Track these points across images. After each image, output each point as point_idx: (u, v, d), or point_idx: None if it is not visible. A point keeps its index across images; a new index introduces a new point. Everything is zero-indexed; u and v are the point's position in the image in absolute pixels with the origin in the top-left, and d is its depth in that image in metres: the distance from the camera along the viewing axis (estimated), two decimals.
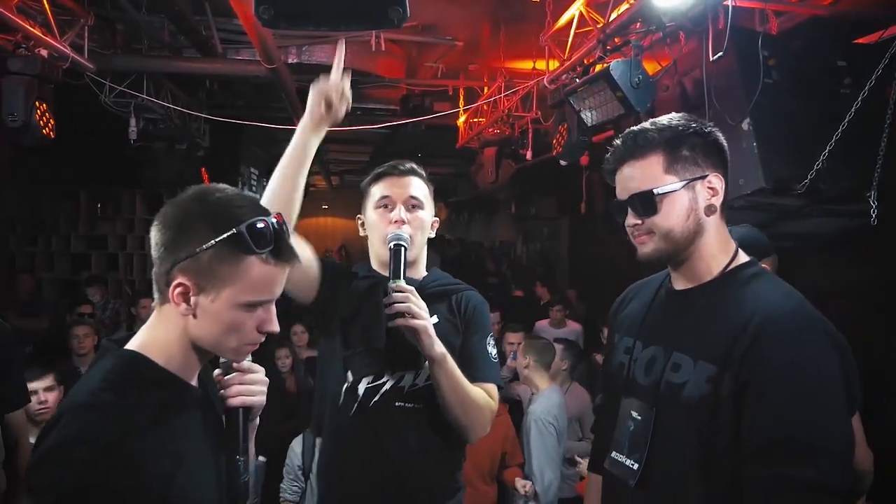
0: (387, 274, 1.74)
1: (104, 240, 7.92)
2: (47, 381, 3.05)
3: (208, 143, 6.89)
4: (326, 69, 1.73)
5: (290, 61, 5.26)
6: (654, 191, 1.36)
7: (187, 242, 1.07)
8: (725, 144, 1.45)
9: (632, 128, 1.46)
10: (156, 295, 1.14)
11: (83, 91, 4.73)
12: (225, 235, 1.06)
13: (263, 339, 1.17)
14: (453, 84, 6.01)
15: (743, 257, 1.45)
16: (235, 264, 1.07)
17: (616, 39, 3.12)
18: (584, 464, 3.65)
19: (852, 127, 2.93)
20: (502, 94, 5.03)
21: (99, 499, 0.97)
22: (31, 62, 3.63)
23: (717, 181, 1.38)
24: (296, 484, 3.38)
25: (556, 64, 3.99)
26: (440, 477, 1.80)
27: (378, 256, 1.84)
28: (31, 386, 2.82)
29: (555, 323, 6.34)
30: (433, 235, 1.88)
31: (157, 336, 1.12)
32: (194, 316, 1.09)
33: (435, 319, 1.76)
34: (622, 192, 1.43)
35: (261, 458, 4.39)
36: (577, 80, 3.37)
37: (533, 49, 4.61)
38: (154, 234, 1.11)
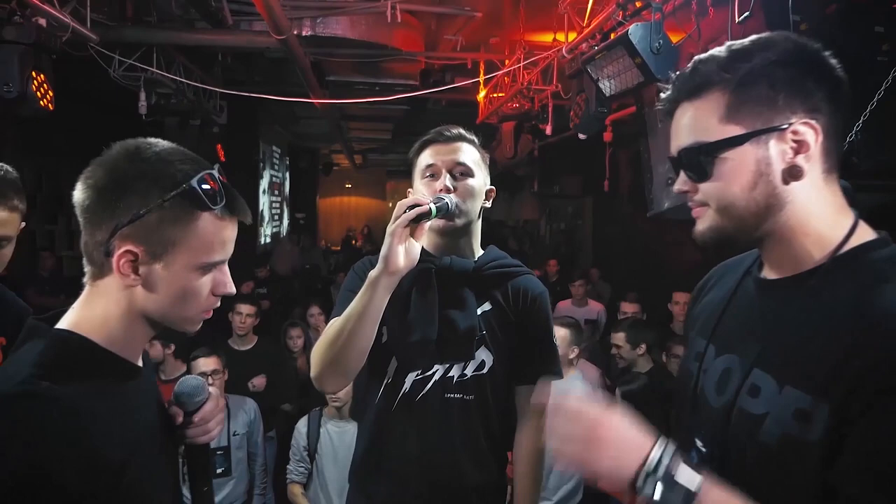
0: (439, 255, 1.68)
1: None
2: None
3: (225, 121, 6.82)
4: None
5: (304, 34, 5.12)
6: (706, 146, 0.99)
7: (128, 205, 0.96)
8: (840, 73, 0.99)
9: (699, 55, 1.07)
10: (87, 268, 1.02)
11: (99, 65, 4.67)
12: (176, 193, 0.96)
13: (219, 303, 1.09)
14: (472, 57, 5.82)
15: (866, 233, 1.00)
16: (188, 224, 0.98)
17: (637, 2, 2.93)
18: None
19: (890, 96, 2.72)
20: (521, 64, 4.84)
21: (48, 496, 0.86)
22: (26, 31, 3.53)
23: (807, 131, 0.95)
24: (302, 465, 3.32)
25: (576, 35, 3.80)
26: (488, 470, 1.71)
27: (428, 236, 1.65)
28: None
29: (577, 301, 6.18)
30: (489, 205, 1.74)
31: (94, 313, 1.01)
32: (145, 286, 0.99)
33: (487, 307, 1.68)
34: (673, 146, 1.08)
35: (269, 434, 4.37)
36: (596, 48, 3.19)
37: (553, 20, 4.41)
38: (80, 198, 0.99)
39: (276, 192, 12.84)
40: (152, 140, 1.03)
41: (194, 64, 5.62)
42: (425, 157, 1.70)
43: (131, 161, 0.99)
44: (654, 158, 3.45)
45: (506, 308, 1.70)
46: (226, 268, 1.06)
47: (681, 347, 4.10)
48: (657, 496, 0.87)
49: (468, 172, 1.67)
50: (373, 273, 1.44)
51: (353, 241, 17.86)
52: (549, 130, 4.90)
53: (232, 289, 1.07)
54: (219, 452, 3.36)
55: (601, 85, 3.01)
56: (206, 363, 3.34)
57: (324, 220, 17.92)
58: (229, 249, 1.05)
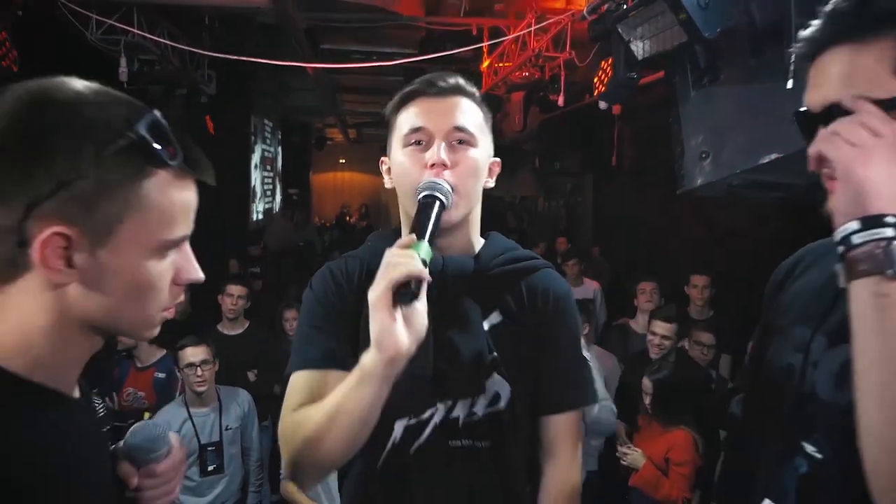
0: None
1: None
2: None
3: (214, 91, 6.44)
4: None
5: None
6: (881, 103, 0.81)
7: (48, 170, 0.66)
8: None
9: None
10: None
11: (74, 27, 4.30)
12: (118, 146, 0.68)
13: (182, 297, 0.82)
14: (477, 22, 5.47)
15: None
16: (135, 189, 0.70)
17: None
18: (629, 452, 3.29)
19: None
20: (532, 28, 4.50)
21: None
22: None
23: None
24: None
25: None
26: None
27: (409, 219, 1.20)
28: None
29: (572, 280, 5.89)
30: (492, 185, 1.29)
31: (6, 328, 0.71)
32: (83, 283, 0.70)
33: (496, 318, 1.22)
34: (814, 97, 0.89)
35: (264, 424, 4.11)
36: (625, 5, 2.86)
37: None
38: None
39: (269, 168, 12.46)
40: (63, 78, 0.72)
41: (179, 28, 5.24)
42: (410, 116, 1.21)
43: (42, 107, 0.68)
44: (687, 130, 3.15)
45: (522, 317, 1.24)
46: (187, 247, 0.79)
47: (705, 334, 3.85)
48: None
49: (470, 141, 1.20)
50: (366, 362, 0.99)
51: (348, 218, 17.55)
52: (561, 101, 4.59)
53: (198, 274, 0.80)
54: (210, 449, 3.11)
55: (633, 46, 2.69)
56: (195, 353, 3.06)
57: (317, 196, 17.55)
58: (192, 221, 0.78)
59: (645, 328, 4.31)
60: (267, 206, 12.30)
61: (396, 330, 0.95)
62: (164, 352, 3.69)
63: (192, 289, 4.81)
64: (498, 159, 1.31)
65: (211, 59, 5.85)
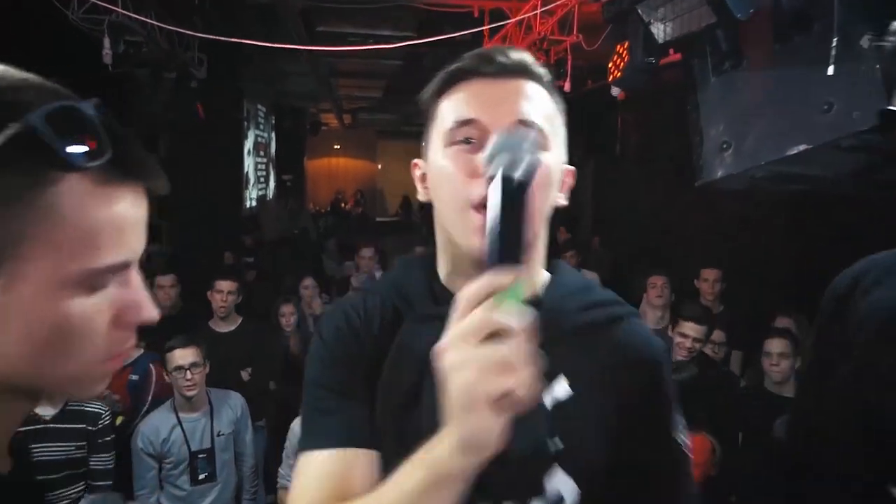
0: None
1: None
2: None
3: (205, 75, 6.20)
4: None
5: None
6: None
7: None
8: None
9: None
10: None
11: (53, 6, 4.06)
12: (8, 138, 0.50)
13: (133, 342, 0.62)
14: (479, 4, 5.25)
15: None
16: (35, 200, 0.52)
17: None
18: None
19: None
20: (538, 11, 4.29)
21: None
22: None
23: None
24: None
25: None
26: None
27: (455, 249, 0.88)
28: None
29: None
30: (565, 202, 0.93)
31: None
32: None
33: (562, 391, 0.87)
34: None
35: (258, 424, 3.95)
36: None
37: None
38: None
39: (262, 153, 12.23)
40: None
41: (169, 11, 5.00)
42: (457, 104, 0.88)
43: None
44: (706, 118, 2.97)
45: (599, 389, 0.89)
46: (134, 277, 0.60)
47: (716, 332, 3.69)
48: None
49: (541, 142, 0.84)
50: (445, 460, 0.68)
51: (343, 204, 17.35)
52: (567, 87, 4.39)
53: (149, 312, 0.61)
54: (201, 456, 2.94)
55: (653, 29, 2.51)
56: (184, 355, 2.88)
57: (312, 182, 17.31)
58: (135, 241, 0.59)
59: (656, 323, 4.17)
60: (260, 192, 12.08)
61: (501, 429, 0.65)
62: (141, 351, 3.52)
63: (184, 281, 4.65)
64: (573, 168, 0.96)
65: (201, 42, 5.61)
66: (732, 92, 2.87)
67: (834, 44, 2.18)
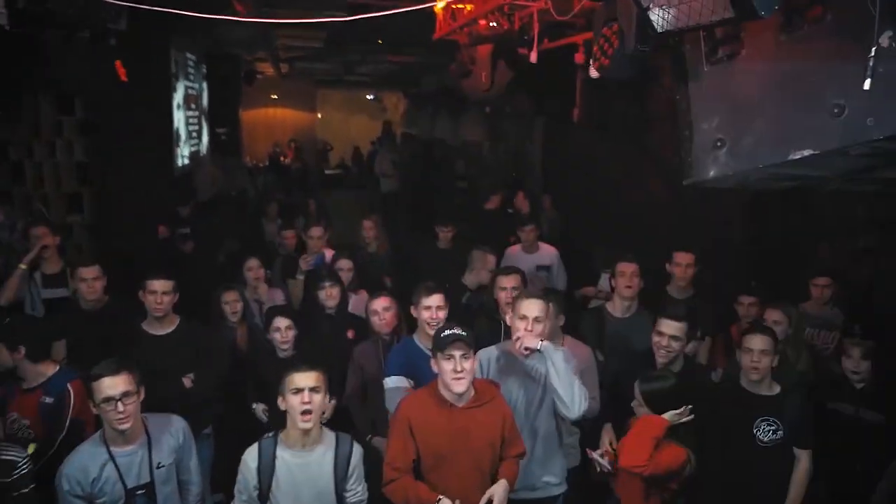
0: None
1: (4, 148, 6.57)
2: None
3: (125, 27, 5.50)
4: None
5: None
6: None
7: None
8: None
9: None
10: None
11: None
12: None
13: None
14: None
15: None
16: None
17: None
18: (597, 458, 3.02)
19: None
20: None
21: None
22: None
23: None
24: None
25: None
26: None
27: None
28: None
29: (527, 246, 5.50)
30: None
31: None
32: None
33: None
34: None
35: (205, 432, 3.63)
36: None
37: None
38: None
39: (193, 106, 11.36)
40: None
41: None
42: None
43: None
44: (697, 111, 2.72)
45: None
46: None
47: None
48: None
49: None
50: None
51: (282, 158, 16.54)
52: (533, 57, 4.05)
53: None
54: (139, 492, 2.61)
55: (652, 15, 2.20)
56: (113, 384, 2.49)
57: (248, 135, 16.39)
58: None
59: (623, 312, 3.98)
60: (193, 148, 11.28)
61: None
62: (56, 368, 3.11)
63: (109, 269, 4.15)
64: None
65: None
66: (729, 84, 2.62)
67: (875, 47, 1.91)
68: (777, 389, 3.15)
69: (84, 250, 6.50)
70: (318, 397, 2.55)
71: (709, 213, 5.46)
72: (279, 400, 2.61)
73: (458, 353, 2.57)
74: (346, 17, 5.68)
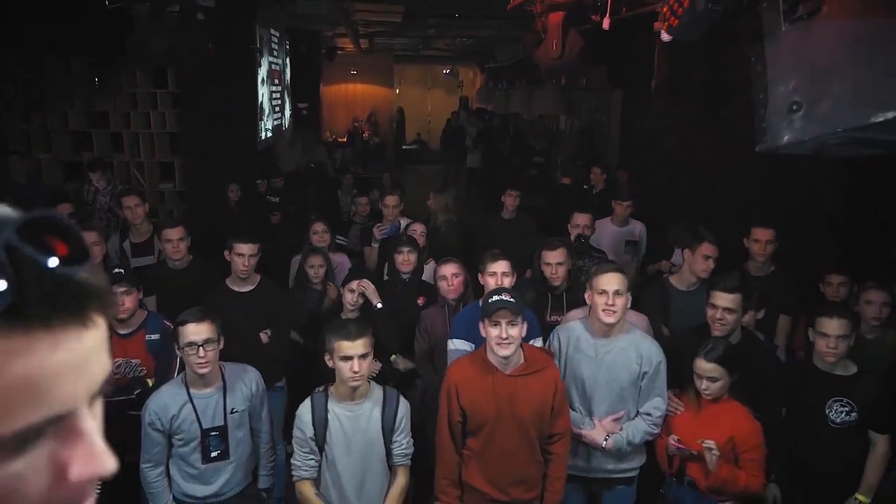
0: None
1: (105, 117, 7.05)
2: None
3: (213, 3, 5.77)
4: None
5: None
6: None
7: None
8: None
9: None
10: None
11: None
12: None
13: (90, 498, 0.53)
14: None
15: None
16: None
17: None
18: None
19: None
20: None
21: None
22: None
23: None
24: (312, 458, 2.73)
25: None
26: None
27: None
28: None
29: (618, 220, 5.50)
30: None
31: None
32: None
33: None
34: None
35: (278, 385, 3.84)
36: None
37: None
38: None
39: (277, 81, 11.74)
40: None
41: None
42: None
43: None
44: (773, 74, 2.61)
45: None
46: (80, 423, 0.51)
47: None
48: None
49: None
50: None
51: (361, 133, 16.88)
52: (606, 24, 3.97)
53: (102, 465, 0.52)
54: (213, 434, 2.81)
55: None
56: (197, 331, 2.69)
57: (328, 110, 16.80)
58: (67, 390, 0.50)
59: (689, 286, 3.87)
60: (276, 122, 11.69)
61: None
62: (146, 312, 3.36)
63: (195, 225, 4.40)
64: None
65: None
66: (807, 44, 2.50)
67: None
68: (853, 370, 3.02)
69: (174, 215, 6.90)
70: (365, 362, 2.64)
71: (794, 186, 5.20)
72: (326, 357, 2.70)
73: (504, 321, 2.59)
74: None
